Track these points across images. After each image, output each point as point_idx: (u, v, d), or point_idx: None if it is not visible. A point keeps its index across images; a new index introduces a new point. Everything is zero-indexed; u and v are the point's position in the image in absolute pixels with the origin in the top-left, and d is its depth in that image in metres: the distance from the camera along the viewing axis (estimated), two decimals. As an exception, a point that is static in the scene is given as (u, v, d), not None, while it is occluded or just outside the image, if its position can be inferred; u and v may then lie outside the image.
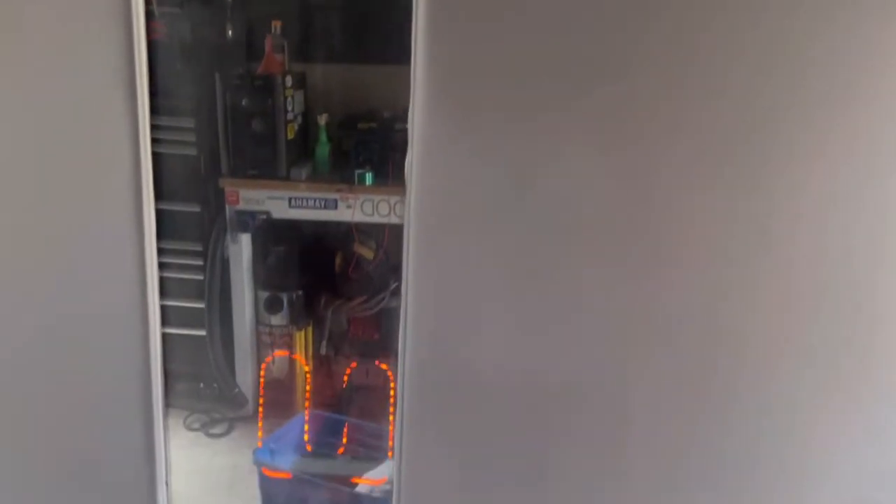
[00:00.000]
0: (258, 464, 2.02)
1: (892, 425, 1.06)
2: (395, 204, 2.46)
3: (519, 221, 1.02)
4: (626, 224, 1.01)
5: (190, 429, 2.64)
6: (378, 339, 2.74)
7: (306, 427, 2.19)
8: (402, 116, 1.03)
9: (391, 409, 2.18)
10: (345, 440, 2.15)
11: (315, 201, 2.52)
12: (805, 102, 0.95)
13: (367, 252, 2.64)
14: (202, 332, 2.61)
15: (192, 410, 2.68)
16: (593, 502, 1.13)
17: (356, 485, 1.97)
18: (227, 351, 2.66)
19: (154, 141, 1.09)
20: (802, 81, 0.94)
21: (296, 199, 2.53)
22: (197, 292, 2.59)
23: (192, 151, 2.55)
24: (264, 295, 2.65)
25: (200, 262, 2.59)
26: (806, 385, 1.05)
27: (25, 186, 1.09)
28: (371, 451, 2.11)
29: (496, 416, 1.10)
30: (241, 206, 2.54)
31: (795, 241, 1.01)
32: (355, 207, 2.49)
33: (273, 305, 2.64)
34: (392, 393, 2.35)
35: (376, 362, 2.64)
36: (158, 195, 1.10)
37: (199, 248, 2.60)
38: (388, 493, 1.48)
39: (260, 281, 2.67)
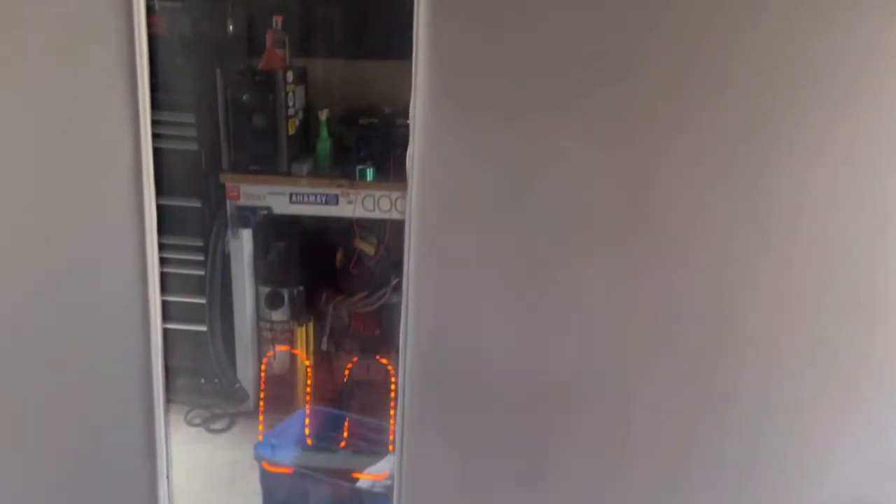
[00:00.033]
0: (259, 458, 2.03)
1: (893, 425, 1.06)
2: (396, 200, 2.46)
3: (520, 218, 1.02)
4: (627, 221, 1.01)
5: (191, 424, 2.64)
6: (379, 334, 2.74)
7: (307, 421, 2.19)
8: (404, 112, 1.03)
9: (392, 405, 2.19)
10: (346, 434, 2.16)
11: (316, 197, 2.52)
12: (805, 102, 0.95)
13: (368, 248, 2.64)
14: (203, 328, 2.61)
15: (193, 406, 2.68)
16: (593, 500, 1.13)
17: (357, 480, 1.97)
18: (227, 346, 2.66)
19: (155, 136, 1.08)
20: (802, 81, 0.94)
21: (297, 194, 2.53)
22: (198, 288, 2.60)
23: (192, 147, 2.55)
24: (265, 290, 2.65)
25: (201, 258, 2.59)
26: (806, 384, 1.05)
27: (26, 181, 1.09)
28: (372, 446, 2.12)
29: (497, 412, 1.10)
30: (242, 201, 2.54)
31: (796, 240, 1.00)
32: (356, 203, 2.49)
33: (274, 301, 2.64)
34: (393, 388, 2.35)
35: (377, 357, 2.64)
36: (159, 190, 1.10)
37: (199, 243, 2.60)
38: (390, 488, 1.48)
39: (261, 276, 2.67)
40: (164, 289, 1.14)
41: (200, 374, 2.68)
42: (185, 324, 2.60)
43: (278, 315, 2.66)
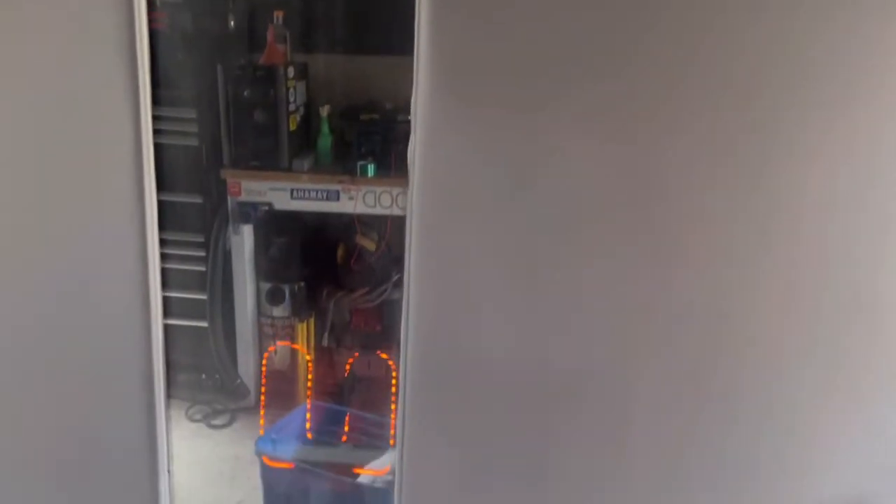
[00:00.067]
0: (260, 453, 2.03)
1: (893, 425, 1.06)
2: (397, 195, 2.46)
3: (521, 215, 1.02)
4: (628, 220, 1.01)
5: (192, 420, 2.65)
6: (380, 330, 2.75)
7: (308, 415, 2.19)
8: (405, 108, 1.02)
9: (393, 400, 2.19)
10: (347, 428, 2.16)
11: (317, 193, 2.52)
12: (805, 102, 0.95)
13: (369, 244, 2.64)
14: (204, 324, 2.61)
15: (194, 401, 2.69)
16: (593, 497, 1.13)
17: (358, 475, 1.97)
18: (228, 342, 2.66)
19: (156, 132, 1.08)
20: (803, 81, 0.94)
21: (298, 190, 2.53)
22: (199, 284, 2.60)
23: (193, 142, 2.54)
24: (266, 286, 2.65)
25: (202, 254, 2.60)
26: (806, 384, 1.05)
27: (26, 177, 1.08)
28: (373, 440, 2.12)
29: (498, 408, 1.10)
30: (243, 197, 2.54)
31: (796, 240, 1.00)
32: (357, 199, 2.49)
33: (275, 297, 2.64)
34: (394, 384, 2.35)
35: (378, 353, 2.64)
36: (160, 186, 1.10)
37: (201, 239, 2.60)
38: (390, 483, 1.48)
39: (262, 272, 2.67)
40: (164, 285, 1.14)
41: (201, 370, 2.69)
42: (186, 320, 2.60)
43: (279, 311, 2.66)
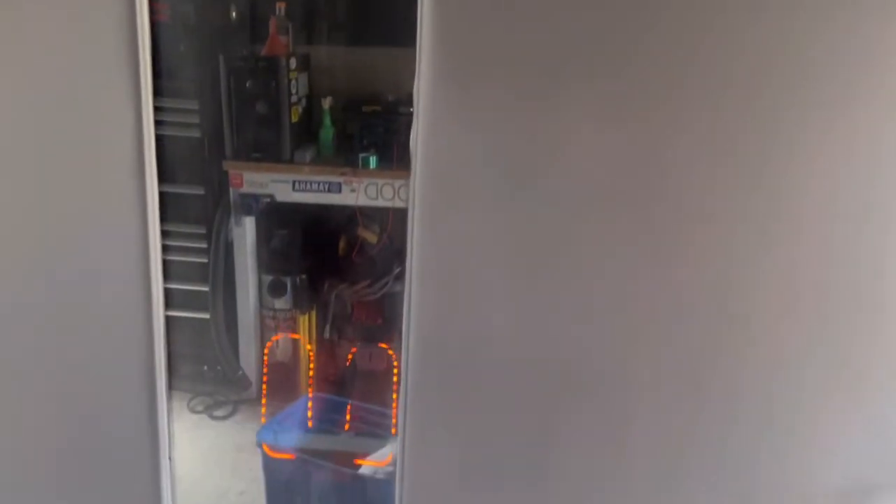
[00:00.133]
0: (261, 442, 2.03)
1: (894, 425, 1.06)
2: (399, 188, 2.46)
3: (524, 206, 1.02)
4: (630, 213, 1.00)
5: (194, 411, 2.65)
6: (381, 323, 2.75)
7: (310, 404, 2.19)
8: (407, 100, 1.02)
9: (394, 392, 2.19)
10: (348, 417, 2.16)
11: (319, 185, 2.52)
12: (805, 102, 0.94)
13: (370, 236, 2.64)
14: (206, 315, 2.62)
15: (196, 393, 2.70)
16: (593, 491, 1.13)
17: (359, 466, 1.98)
18: (230, 334, 2.67)
19: (157, 123, 1.08)
20: (803, 82, 0.94)
21: (300, 182, 2.53)
22: (200, 275, 2.60)
23: (195, 134, 2.54)
24: (268, 278, 2.65)
25: (204, 245, 2.60)
26: (807, 384, 1.05)
27: (27, 169, 1.08)
28: (375, 429, 2.12)
29: (499, 399, 1.11)
30: (245, 188, 2.54)
31: (797, 240, 1.00)
32: (359, 191, 2.49)
33: (276, 289, 2.64)
34: (395, 376, 2.36)
35: (380, 344, 2.65)
36: (162, 177, 1.10)
37: (202, 231, 2.60)
38: (392, 474, 1.49)
39: (263, 264, 2.67)
40: (166, 276, 1.14)
41: (203, 362, 2.70)
42: (187, 311, 2.61)
43: (281, 303, 2.67)
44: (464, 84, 0.98)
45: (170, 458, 1.20)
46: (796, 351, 1.04)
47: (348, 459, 1.99)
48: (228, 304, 2.64)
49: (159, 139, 1.08)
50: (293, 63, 2.51)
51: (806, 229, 1.00)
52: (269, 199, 2.55)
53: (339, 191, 2.51)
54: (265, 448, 2.02)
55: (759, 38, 0.93)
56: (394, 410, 2.14)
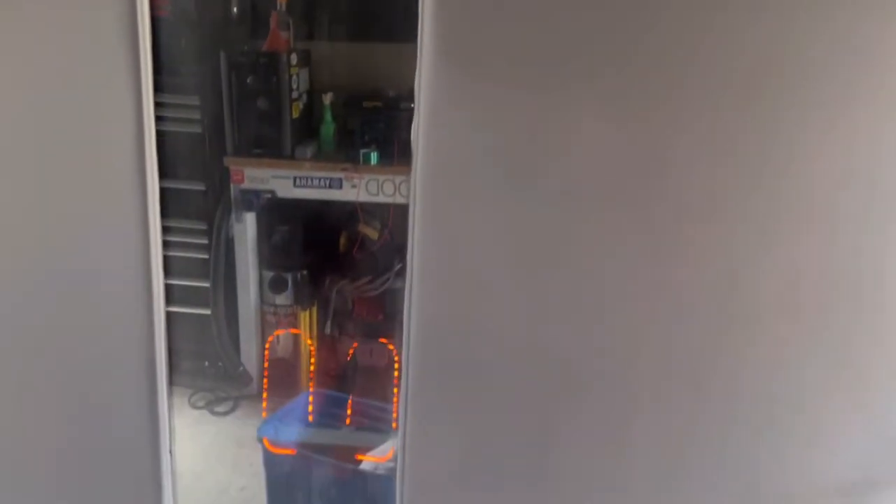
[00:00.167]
0: (262, 437, 2.03)
1: (894, 426, 1.06)
2: (399, 184, 2.46)
3: (525, 201, 1.02)
4: (632, 209, 1.00)
5: (195, 407, 2.66)
6: (382, 319, 2.75)
7: (310, 399, 2.19)
8: (408, 96, 1.02)
9: (395, 387, 2.19)
10: (349, 412, 2.16)
11: (320, 181, 2.52)
12: (805, 102, 0.94)
13: (371, 232, 2.64)
14: (207, 311, 2.62)
15: (197, 389, 2.70)
16: (594, 484, 1.14)
17: (360, 462, 1.98)
18: (231, 330, 2.67)
19: (158, 118, 1.08)
20: (803, 82, 0.94)
21: (301, 178, 2.53)
22: (201, 271, 2.60)
23: (196, 129, 2.54)
24: (269, 274, 2.65)
25: (205, 241, 2.60)
26: (807, 384, 1.05)
27: (27, 164, 1.08)
28: (376, 423, 2.12)
29: (500, 393, 1.11)
30: (246, 184, 2.54)
31: (798, 240, 1.00)
32: (360, 187, 2.49)
33: (277, 285, 2.64)
34: (396, 371, 2.36)
35: (381, 340, 2.65)
36: (163, 173, 1.09)
37: (203, 226, 2.60)
38: (392, 470, 1.49)
39: (264, 260, 2.67)
40: (167, 272, 1.14)
41: (204, 358, 2.70)
42: (188, 307, 2.61)
43: (282, 299, 2.67)
44: (465, 79, 0.98)
45: (171, 454, 1.20)
46: (796, 351, 1.04)
47: (349, 455, 1.99)
48: (229, 299, 2.65)
49: (160, 135, 1.08)
50: (294, 59, 2.51)
51: (806, 229, 1.00)
52: (269, 195, 2.55)
53: (340, 187, 2.51)
54: (266, 443, 2.03)
55: (759, 38, 0.93)
56: (394, 405, 2.14)
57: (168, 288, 1.15)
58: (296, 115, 2.54)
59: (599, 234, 1.02)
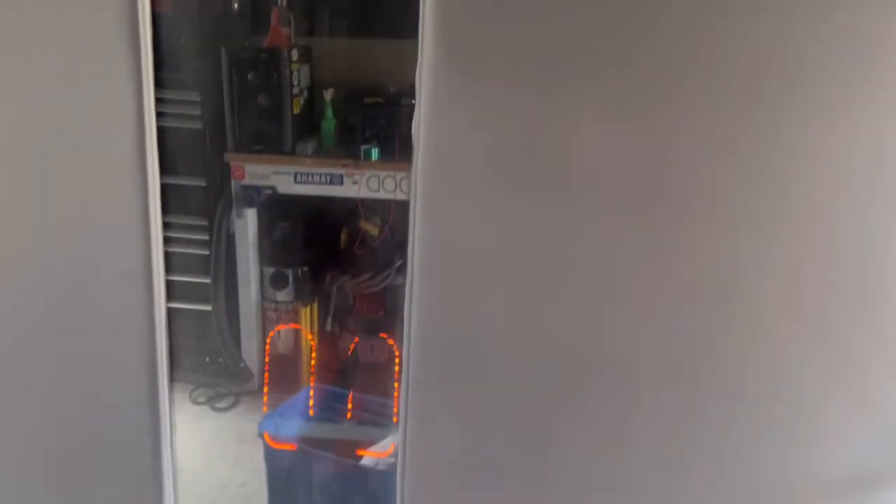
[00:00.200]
0: (262, 431, 2.03)
1: (894, 425, 1.06)
2: (400, 180, 2.46)
3: (525, 198, 1.02)
4: (633, 208, 1.00)
5: (196, 403, 2.66)
6: (383, 315, 2.75)
7: (311, 394, 2.20)
8: (409, 91, 1.02)
9: (396, 383, 2.20)
10: (350, 406, 2.16)
11: (321, 177, 2.52)
12: (805, 102, 0.94)
13: (372, 228, 2.64)
14: (208, 307, 2.62)
15: (198, 384, 2.71)
16: (594, 482, 1.14)
17: (361, 457, 1.99)
18: (232, 326, 2.68)
19: (159, 114, 1.07)
20: (803, 81, 0.93)
21: (301, 174, 2.53)
22: (202, 267, 2.60)
23: (197, 125, 2.54)
24: (270, 270, 2.66)
25: (206, 237, 2.60)
26: (808, 384, 1.05)
27: (28, 160, 1.08)
28: (376, 417, 2.12)
29: (501, 390, 1.11)
30: (247, 180, 2.54)
31: (798, 240, 1.00)
32: (361, 183, 2.49)
33: (278, 281, 2.65)
34: (397, 366, 2.36)
35: (382, 335, 2.65)
36: (163, 169, 1.09)
37: (204, 222, 2.60)
38: (393, 465, 1.49)
39: (265, 256, 2.67)
40: (168, 268, 1.14)
41: (205, 353, 2.70)
42: (189, 303, 2.62)
43: (283, 295, 2.67)
44: (466, 76, 0.98)
45: (171, 449, 1.20)
46: (797, 351, 1.03)
47: (350, 450, 1.99)
48: (230, 295, 2.65)
49: (161, 131, 1.08)
50: (295, 54, 2.51)
51: (806, 229, 0.99)
52: (270, 191, 2.55)
53: (341, 183, 2.51)
54: (267, 439, 2.03)
55: (759, 38, 0.93)
56: (395, 400, 2.14)
57: (169, 284, 1.15)
58: (296, 111, 2.54)
59: (600, 233, 1.02)
